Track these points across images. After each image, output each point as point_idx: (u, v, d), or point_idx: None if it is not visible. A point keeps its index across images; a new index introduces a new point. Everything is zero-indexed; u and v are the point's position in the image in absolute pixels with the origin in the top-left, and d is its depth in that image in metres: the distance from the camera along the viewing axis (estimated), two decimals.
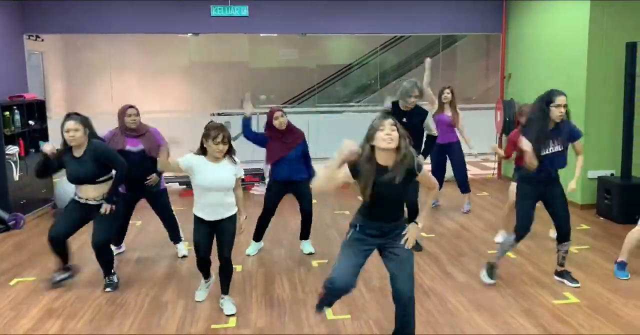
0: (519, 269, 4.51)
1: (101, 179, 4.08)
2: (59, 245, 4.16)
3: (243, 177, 3.83)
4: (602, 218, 6.05)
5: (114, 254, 4.88)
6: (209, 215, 3.65)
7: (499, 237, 5.19)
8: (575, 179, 4.12)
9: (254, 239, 5.07)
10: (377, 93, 12.29)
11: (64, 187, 6.35)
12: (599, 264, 4.61)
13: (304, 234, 5.10)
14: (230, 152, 3.64)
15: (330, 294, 3.04)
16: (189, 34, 8.47)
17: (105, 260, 4.21)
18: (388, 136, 2.76)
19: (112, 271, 4.28)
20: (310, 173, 4.85)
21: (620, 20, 6.23)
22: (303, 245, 5.11)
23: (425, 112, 4.88)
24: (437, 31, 9.13)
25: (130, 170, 4.20)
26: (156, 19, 7.90)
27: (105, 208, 4.05)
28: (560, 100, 3.79)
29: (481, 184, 8.19)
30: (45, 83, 9.29)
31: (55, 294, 4.13)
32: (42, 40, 8.16)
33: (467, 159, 6.71)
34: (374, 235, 2.99)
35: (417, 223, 3.05)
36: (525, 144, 3.76)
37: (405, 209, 4.05)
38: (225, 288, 3.81)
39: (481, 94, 10.93)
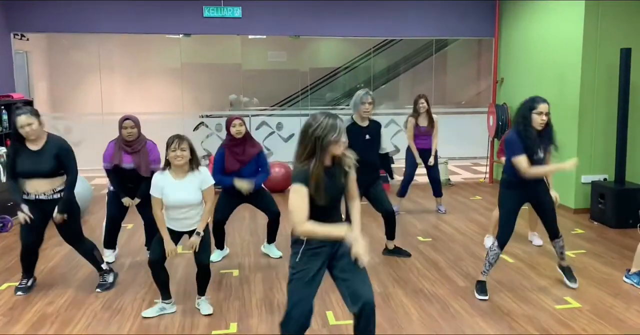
0: (518, 274, 4.50)
1: (59, 172, 3.96)
2: (33, 254, 4.13)
3: (212, 184, 3.69)
4: (595, 222, 6.09)
5: (110, 259, 4.84)
6: (177, 227, 3.68)
7: (487, 241, 5.22)
8: (553, 191, 4.20)
9: (217, 247, 4.92)
10: None
11: None
12: (597, 268, 4.62)
13: (272, 237, 5.00)
14: (193, 162, 3.61)
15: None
16: (180, 35, 8.37)
17: (85, 253, 4.18)
18: (344, 144, 2.65)
19: (104, 268, 4.23)
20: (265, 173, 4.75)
21: (615, 25, 6.29)
22: (269, 249, 5.03)
23: (380, 125, 4.87)
24: (429, 35, 9.14)
25: (124, 183, 4.44)
26: (147, 19, 7.80)
27: (58, 218, 3.93)
28: (542, 107, 3.76)
29: (473, 188, 8.21)
30: (29, 83, 9.12)
31: (48, 298, 4.02)
32: (27, 39, 8.01)
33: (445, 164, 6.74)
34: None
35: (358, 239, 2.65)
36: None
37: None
38: (201, 290, 3.81)
39: (472, 98, 10.98)
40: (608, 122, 6.35)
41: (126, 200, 4.63)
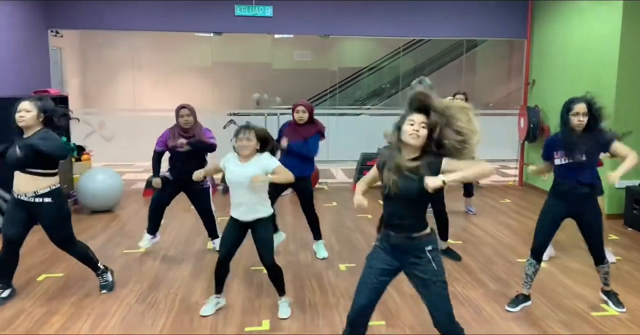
0: (553, 280, 4.43)
1: (33, 169, 3.67)
2: (10, 253, 3.87)
3: (278, 164, 3.61)
4: (630, 228, 5.97)
5: (144, 244, 4.96)
6: (239, 215, 3.62)
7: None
8: (619, 172, 3.54)
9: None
10: (394, 96, 12.25)
11: (86, 183, 6.33)
12: (633, 275, 4.53)
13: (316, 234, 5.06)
14: (264, 149, 3.62)
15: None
16: (212, 34, 8.44)
17: (79, 255, 4.04)
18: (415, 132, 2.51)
19: (100, 267, 4.12)
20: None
21: None
22: (317, 247, 5.08)
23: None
24: (459, 35, 9.07)
25: (176, 167, 4.51)
26: (179, 17, 7.88)
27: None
28: (578, 108, 3.57)
29: (502, 191, 8.11)
30: (63, 79, 9.30)
31: (84, 291, 4.09)
32: (62, 36, 8.16)
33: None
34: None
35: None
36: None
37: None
38: (278, 290, 3.76)
39: (501, 100, 10.86)
40: None
41: (157, 181, 4.81)
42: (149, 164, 5.02)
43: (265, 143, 3.63)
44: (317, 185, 8.19)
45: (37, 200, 3.72)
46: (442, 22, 8.33)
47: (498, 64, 11.22)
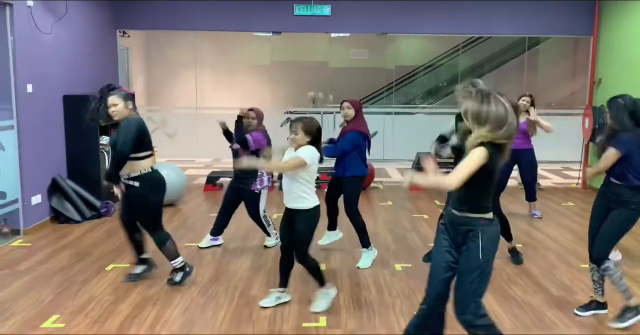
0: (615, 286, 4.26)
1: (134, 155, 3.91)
2: (129, 230, 4.22)
3: (302, 158, 3.56)
4: None
5: (208, 245, 5.14)
6: (286, 201, 3.72)
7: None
8: None
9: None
10: (451, 95, 12.05)
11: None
12: None
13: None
14: (316, 142, 3.66)
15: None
16: (271, 33, 8.58)
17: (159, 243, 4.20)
18: None
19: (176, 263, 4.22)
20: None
21: None
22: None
23: None
24: (520, 32, 8.83)
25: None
26: (239, 17, 8.06)
27: (115, 190, 4.05)
28: None
29: (565, 193, 7.85)
30: (129, 78, 9.69)
31: (149, 281, 4.27)
32: (129, 36, 8.51)
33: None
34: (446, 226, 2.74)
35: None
36: None
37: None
38: (317, 281, 3.80)
39: (565, 99, 10.49)
40: None
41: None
42: (209, 160, 5.18)
43: (315, 136, 3.65)
44: (372, 184, 8.19)
45: (129, 182, 4.00)
46: (503, 19, 8.14)
47: (561, 62, 10.84)
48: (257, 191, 4.94)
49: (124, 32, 8.30)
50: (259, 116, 4.94)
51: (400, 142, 8.62)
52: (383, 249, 5.18)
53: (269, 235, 5.19)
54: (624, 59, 7.36)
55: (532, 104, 6.06)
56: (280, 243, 3.87)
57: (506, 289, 4.21)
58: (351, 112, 4.68)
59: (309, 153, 3.59)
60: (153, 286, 4.19)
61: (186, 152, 8.47)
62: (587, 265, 4.57)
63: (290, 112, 9.22)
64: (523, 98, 6.08)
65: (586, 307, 3.75)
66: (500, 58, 11.85)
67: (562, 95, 10.76)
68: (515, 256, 4.81)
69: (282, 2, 7.94)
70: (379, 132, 8.58)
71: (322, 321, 3.62)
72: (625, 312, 3.54)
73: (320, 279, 3.79)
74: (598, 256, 3.58)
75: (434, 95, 12.70)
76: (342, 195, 4.76)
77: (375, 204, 7.14)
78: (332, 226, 5.08)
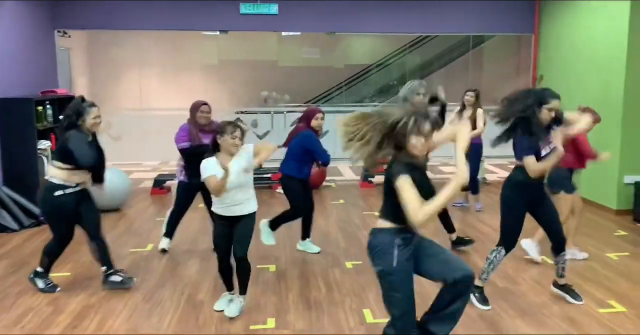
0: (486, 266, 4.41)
1: None
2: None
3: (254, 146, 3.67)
4: (639, 224, 5.91)
5: (165, 245, 5.00)
6: (226, 212, 3.60)
7: (572, 254, 4.72)
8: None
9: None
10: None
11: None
12: None
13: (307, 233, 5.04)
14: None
15: None
16: (217, 32, 8.45)
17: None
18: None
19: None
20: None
21: None
22: (306, 245, 5.04)
23: None
24: (466, 31, 9.01)
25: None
26: (185, 16, 7.90)
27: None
28: (554, 104, 3.50)
29: None
30: (71, 79, 9.36)
31: (91, 290, 4.11)
32: (70, 36, 8.21)
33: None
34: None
35: None
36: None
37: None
38: (240, 288, 3.71)
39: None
40: None
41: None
42: (156, 163, 5.04)
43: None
44: (324, 183, 8.18)
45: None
46: (448, 18, 8.28)
47: (506, 59, 11.14)
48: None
49: (64, 32, 8.00)
50: (211, 109, 4.86)
51: None
52: (334, 247, 5.17)
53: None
54: (564, 56, 7.61)
55: (477, 98, 6.21)
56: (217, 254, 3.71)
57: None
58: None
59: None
60: (94, 294, 4.03)
61: (132, 155, 8.23)
62: (531, 257, 4.75)
63: (241, 112, 9.13)
64: (468, 93, 6.21)
65: (484, 297, 3.84)
66: (448, 56, 12.08)
67: (506, 93, 11.02)
68: (461, 243, 4.93)
69: (229, 0, 7.83)
70: (330, 131, 8.61)
71: (270, 323, 3.57)
72: (481, 292, 3.77)
73: (246, 285, 3.72)
74: (564, 241, 3.75)
75: (385, 93, 12.82)
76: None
77: (327, 203, 7.13)
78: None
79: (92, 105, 4.04)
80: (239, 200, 3.58)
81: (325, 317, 3.65)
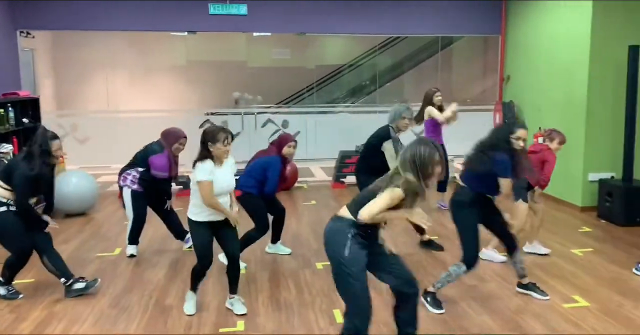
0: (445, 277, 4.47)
1: None
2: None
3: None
4: (603, 221, 6.06)
5: (133, 251, 4.96)
6: (216, 216, 3.59)
7: (534, 248, 4.94)
8: None
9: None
10: (372, 94, 12.28)
11: (59, 186, 6.22)
12: (605, 266, 4.60)
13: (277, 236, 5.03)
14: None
15: None
16: (186, 32, 8.36)
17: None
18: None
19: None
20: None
21: (623, 22, 6.25)
22: (276, 248, 5.03)
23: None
24: (435, 32, 9.11)
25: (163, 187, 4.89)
26: (153, 16, 7.79)
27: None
28: (520, 133, 3.72)
29: None
30: (35, 81, 9.14)
31: (56, 296, 4.02)
32: (33, 37, 8.02)
33: None
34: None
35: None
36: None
37: None
38: (234, 288, 3.75)
39: (478, 96, 10.94)
40: (615, 120, 6.31)
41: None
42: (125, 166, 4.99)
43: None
44: (296, 184, 8.17)
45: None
46: (417, 19, 8.36)
47: (474, 60, 11.29)
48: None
49: (28, 33, 7.80)
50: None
51: (323, 141, 8.65)
52: (305, 249, 5.17)
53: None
54: (530, 56, 7.76)
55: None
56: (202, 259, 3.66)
57: (422, 281, 4.29)
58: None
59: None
60: (59, 301, 3.94)
61: (100, 158, 8.07)
62: (499, 254, 4.83)
63: (211, 114, 9.04)
64: (437, 94, 6.29)
65: (436, 301, 3.86)
66: (418, 57, 12.20)
67: (475, 93, 11.21)
68: (430, 246, 5.01)
69: (197, 1, 7.75)
70: (301, 132, 8.61)
71: (240, 325, 3.55)
72: (433, 297, 3.81)
73: (237, 284, 3.75)
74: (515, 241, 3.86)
75: (356, 94, 12.88)
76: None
77: (299, 204, 7.12)
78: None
79: (54, 137, 3.92)
80: (225, 204, 3.62)
81: (296, 318, 3.64)
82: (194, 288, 3.76)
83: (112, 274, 4.51)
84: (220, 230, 3.65)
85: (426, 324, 3.53)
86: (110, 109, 8.55)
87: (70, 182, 6.20)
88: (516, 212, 4.48)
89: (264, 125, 8.49)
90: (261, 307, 3.83)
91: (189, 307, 3.74)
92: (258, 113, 8.53)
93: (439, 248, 5.06)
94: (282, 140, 4.64)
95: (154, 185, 4.82)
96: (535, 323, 3.54)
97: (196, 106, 10.03)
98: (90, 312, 3.76)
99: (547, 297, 3.90)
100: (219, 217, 3.61)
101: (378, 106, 10.42)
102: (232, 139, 3.58)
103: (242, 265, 4.41)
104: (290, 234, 5.63)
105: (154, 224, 5.35)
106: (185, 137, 4.78)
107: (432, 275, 4.40)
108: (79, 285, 4.01)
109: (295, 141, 4.68)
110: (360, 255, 2.78)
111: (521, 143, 3.71)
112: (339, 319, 3.61)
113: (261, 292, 4.11)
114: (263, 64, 11.58)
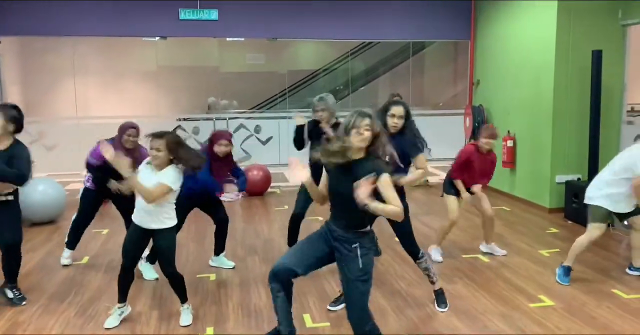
0: (494, 274, 4.55)
1: None
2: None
3: (167, 184, 3.36)
4: (570, 221, 6.19)
5: (67, 261, 4.86)
6: (138, 220, 3.51)
7: (491, 249, 5.04)
8: (408, 179, 3.66)
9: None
10: (346, 98, 12.34)
11: (26, 194, 6.10)
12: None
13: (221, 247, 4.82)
14: (175, 160, 3.43)
15: (270, 283, 2.95)
16: (157, 38, 8.30)
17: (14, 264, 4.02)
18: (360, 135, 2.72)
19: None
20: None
21: (587, 27, 6.41)
22: (221, 260, 4.84)
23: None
24: (406, 37, 9.21)
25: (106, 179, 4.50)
26: (123, 21, 7.72)
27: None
28: (393, 110, 3.63)
29: None
30: (1, 87, 8.96)
31: (20, 306, 3.93)
32: (0, 42, 7.87)
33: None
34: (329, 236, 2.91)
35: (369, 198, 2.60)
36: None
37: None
38: (180, 298, 3.67)
39: (449, 100, 11.09)
40: (581, 123, 6.46)
41: (113, 184, 4.55)
42: None
43: (177, 153, 3.40)
44: (269, 190, 8.16)
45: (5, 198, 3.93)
46: (389, 24, 8.44)
47: (446, 65, 11.46)
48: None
49: None
50: (139, 133, 4.58)
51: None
52: (276, 254, 5.14)
53: None
54: (498, 61, 7.90)
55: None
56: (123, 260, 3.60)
57: (393, 283, 4.35)
58: (231, 148, 4.45)
59: (172, 176, 3.39)
60: (24, 311, 3.86)
61: (70, 165, 7.93)
62: (468, 256, 4.92)
63: (183, 119, 8.98)
64: (396, 98, 6.36)
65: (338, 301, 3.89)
66: (391, 62, 12.31)
67: (446, 97, 11.36)
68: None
69: (168, 6, 7.71)
70: (273, 137, 8.61)
71: (209, 331, 3.53)
72: (440, 296, 3.85)
73: (184, 294, 3.67)
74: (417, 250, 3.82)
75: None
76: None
77: (271, 210, 7.11)
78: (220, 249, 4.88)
79: None
80: (148, 212, 3.55)
81: (265, 324, 3.63)
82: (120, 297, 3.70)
83: (80, 282, 4.43)
84: (154, 242, 3.57)
85: (394, 325, 3.56)
86: (79, 115, 8.41)
87: (37, 190, 6.08)
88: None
89: (235, 130, 8.47)
90: (231, 313, 3.81)
91: (110, 320, 3.66)
92: (230, 118, 8.50)
93: (377, 254, 4.97)
94: (213, 138, 4.45)
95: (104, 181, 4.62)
96: (502, 323, 3.60)
97: (168, 112, 9.95)
98: (56, 321, 3.69)
99: (445, 309, 3.80)
100: (146, 225, 3.50)
101: (350, 111, 10.46)
102: (166, 145, 3.37)
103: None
104: (262, 239, 5.62)
105: (122, 231, 5.27)
106: (134, 128, 4.52)
107: (403, 278, 4.45)
108: (8, 293, 4.00)
109: (228, 139, 4.40)
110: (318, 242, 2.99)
111: (395, 121, 3.62)
112: (309, 323, 3.62)
113: (231, 298, 4.09)
114: (235, 69, 11.56)
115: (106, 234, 5.80)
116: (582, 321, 3.61)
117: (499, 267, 4.69)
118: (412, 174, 3.69)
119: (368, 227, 2.87)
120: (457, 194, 4.80)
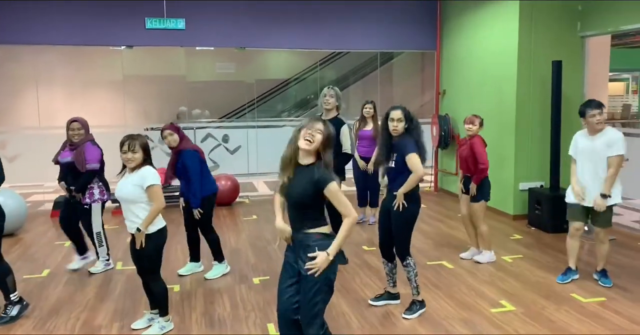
0: (457, 280, 4.60)
1: None
2: None
3: (153, 183, 3.41)
4: (533, 228, 6.31)
5: (78, 267, 4.89)
6: (128, 227, 3.52)
7: (483, 257, 5.08)
8: (401, 190, 3.71)
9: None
10: (316, 108, 12.37)
11: None
12: (532, 272, 4.79)
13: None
14: (146, 161, 3.49)
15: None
16: (123, 47, 8.22)
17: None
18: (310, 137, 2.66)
19: (12, 299, 3.88)
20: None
21: (547, 39, 6.60)
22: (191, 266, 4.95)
23: (342, 123, 4.94)
24: (374, 48, 9.32)
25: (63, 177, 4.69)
26: (88, 30, 7.62)
27: None
28: (391, 114, 3.78)
29: None
30: None
31: None
32: None
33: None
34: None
35: (327, 253, 2.63)
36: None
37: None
38: (161, 309, 3.65)
39: (417, 110, 11.22)
40: (542, 131, 6.62)
41: (62, 185, 4.81)
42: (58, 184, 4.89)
43: (148, 153, 3.52)
44: (238, 199, 8.11)
45: None
46: (357, 35, 8.53)
47: (413, 75, 11.61)
48: (87, 206, 4.78)
49: None
50: (85, 126, 4.77)
51: (266, 155, 8.63)
52: (243, 264, 5.13)
53: (97, 257, 4.93)
54: (463, 71, 8.05)
55: (375, 110, 6.41)
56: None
57: (358, 291, 4.36)
58: (176, 137, 4.52)
59: (155, 175, 3.47)
60: None
61: (33, 176, 7.76)
62: (433, 262, 4.97)
63: (150, 129, 8.87)
64: (367, 105, 6.41)
65: (378, 298, 4.07)
66: (361, 72, 12.41)
67: (414, 107, 11.48)
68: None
69: (134, 15, 7.64)
70: (241, 146, 8.58)
71: None
72: (413, 305, 3.87)
73: (165, 307, 3.64)
74: (403, 253, 3.85)
75: (304, 107, 12.94)
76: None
77: (239, 219, 7.07)
78: (195, 257, 4.94)
79: None
80: (129, 217, 3.60)
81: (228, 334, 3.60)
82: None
83: (39, 296, 4.33)
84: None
85: (357, 332, 3.56)
86: (42, 125, 8.24)
87: None
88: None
89: (203, 140, 8.41)
90: (194, 324, 3.76)
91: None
92: (197, 128, 8.45)
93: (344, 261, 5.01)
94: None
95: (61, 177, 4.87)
96: (463, 328, 3.64)
97: (135, 121, 9.81)
98: None
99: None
100: (131, 230, 3.48)
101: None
102: (141, 147, 3.43)
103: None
104: (229, 249, 5.57)
105: (87, 240, 5.18)
106: (76, 121, 4.72)
107: (369, 286, 4.46)
108: (14, 310, 3.88)
109: (163, 131, 4.54)
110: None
111: (395, 124, 3.73)
112: (272, 332, 3.60)
113: (195, 309, 4.04)
114: (202, 78, 11.50)
115: (68, 246, 5.67)
116: (541, 325, 3.67)
117: (462, 274, 4.75)
118: (405, 183, 3.68)
119: (328, 227, 2.75)
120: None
